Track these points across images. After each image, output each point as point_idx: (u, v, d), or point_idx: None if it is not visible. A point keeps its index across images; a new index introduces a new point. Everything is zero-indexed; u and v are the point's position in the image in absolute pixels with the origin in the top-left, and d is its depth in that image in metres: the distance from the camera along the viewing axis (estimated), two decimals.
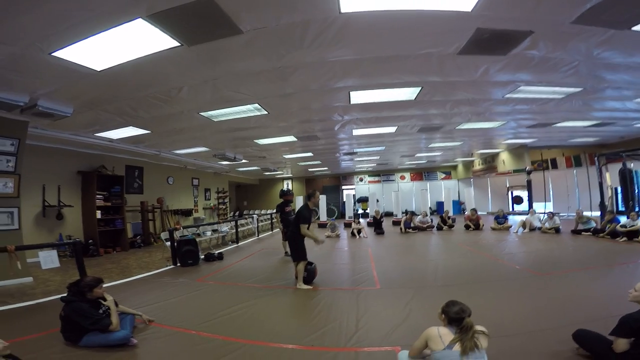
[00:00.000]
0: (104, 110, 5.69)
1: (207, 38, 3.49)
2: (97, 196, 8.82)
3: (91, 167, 9.02)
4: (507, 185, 17.09)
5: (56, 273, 6.07)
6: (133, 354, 2.88)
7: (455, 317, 2.12)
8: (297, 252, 4.91)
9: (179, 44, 3.55)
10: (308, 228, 4.92)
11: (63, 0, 2.76)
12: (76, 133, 7.14)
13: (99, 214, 8.76)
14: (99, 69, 4.03)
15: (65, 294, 3.15)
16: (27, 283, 5.49)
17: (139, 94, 5.05)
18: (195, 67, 4.25)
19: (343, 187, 21.81)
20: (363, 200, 19.59)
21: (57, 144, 7.82)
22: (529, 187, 13.59)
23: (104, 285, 3.34)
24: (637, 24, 3.47)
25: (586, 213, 9.42)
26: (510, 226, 10.64)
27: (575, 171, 13.54)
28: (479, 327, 2.12)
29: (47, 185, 7.88)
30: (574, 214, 10.77)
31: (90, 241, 8.35)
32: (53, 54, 3.58)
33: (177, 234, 7.35)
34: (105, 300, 3.17)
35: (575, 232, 8.86)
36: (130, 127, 6.86)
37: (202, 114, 6.24)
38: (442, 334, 2.13)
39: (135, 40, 3.44)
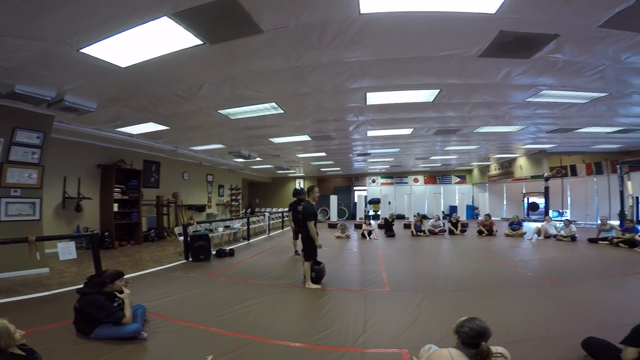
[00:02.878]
0: (126, 105, 5.83)
1: (228, 37, 3.54)
2: (115, 189, 9.02)
3: (111, 161, 9.25)
4: (524, 192, 16.70)
5: (72, 264, 6.22)
6: (143, 347, 2.93)
7: (469, 341, 1.83)
8: (308, 251, 4.93)
9: (202, 42, 3.60)
10: (315, 225, 4.95)
11: None
12: (98, 127, 7.35)
13: (116, 207, 8.95)
14: (123, 66, 4.13)
15: (80, 286, 3.21)
16: (44, 273, 5.64)
17: (160, 90, 5.16)
18: (216, 65, 4.31)
19: (355, 188, 21.74)
20: (375, 201, 19.51)
21: (80, 138, 8.05)
22: (546, 193, 13.26)
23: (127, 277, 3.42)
24: None
25: (610, 222, 9.12)
26: (525, 233, 10.42)
27: (595, 179, 13.15)
28: (498, 349, 1.89)
29: (68, 177, 8.13)
30: (593, 223, 10.47)
31: (106, 233, 8.55)
32: (81, 51, 3.69)
33: (190, 229, 7.47)
34: (121, 293, 3.22)
35: (592, 240, 8.64)
36: (151, 122, 7.02)
37: (220, 111, 6.32)
38: (454, 357, 1.83)
39: (160, 38, 3.51)
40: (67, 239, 5.20)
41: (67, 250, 4.43)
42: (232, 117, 6.72)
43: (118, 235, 8.98)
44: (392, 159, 14.93)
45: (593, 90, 5.43)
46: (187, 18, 3.16)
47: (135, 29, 3.30)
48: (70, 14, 3.04)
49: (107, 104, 5.62)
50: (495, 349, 1.89)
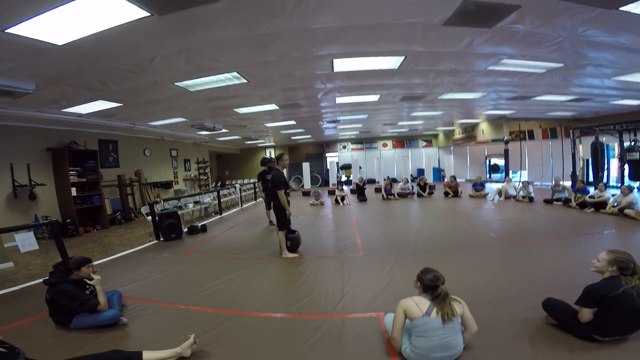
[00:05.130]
0: (69, 85, 5.29)
1: (179, 6, 3.22)
2: (71, 172, 8.46)
3: (61, 143, 8.55)
4: (486, 154, 17.52)
5: (37, 256, 5.93)
6: (125, 333, 2.91)
7: (430, 284, 2.20)
8: (281, 220, 4.95)
9: (149, 14, 3.28)
10: (286, 193, 4.92)
11: None
12: (41, 110, 6.65)
13: (74, 191, 8.43)
14: (60, 44, 3.70)
15: (46, 277, 3.08)
16: (8, 268, 5.34)
17: (107, 66, 4.70)
18: (167, 37, 3.96)
19: (327, 154, 21.78)
20: (346, 167, 19.72)
21: (22, 122, 7.33)
22: (506, 156, 13.98)
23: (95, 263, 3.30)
24: (624, 4, 3.42)
25: (563, 183, 9.76)
26: (487, 194, 11.01)
27: (550, 142, 13.97)
28: (455, 297, 2.22)
29: (15, 164, 7.46)
30: (548, 183, 11.26)
31: (69, 220, 8.12)
32: (7, 31, 3.25)
33: (158, 208, 7.25)
34: (89, 280, 3.12)
35: (547, 201, 9.20)
36: (100, 100, 6.45)
37: (177, 84, 5.92)
38: (417, 302, 2.19)
39: (100, 12, 3.14)
40: (25, 230, 4.85)
41: (26, 241, 4.19)
42: (191, 89, 6.33)
43: (82, 221, 8.57)
44: (361, 125, 14.97)
45: (550, 61, 5.58)
46: None
47: (70, 4, 2.92)
48: None
49: (47, 84, 5.05)
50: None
